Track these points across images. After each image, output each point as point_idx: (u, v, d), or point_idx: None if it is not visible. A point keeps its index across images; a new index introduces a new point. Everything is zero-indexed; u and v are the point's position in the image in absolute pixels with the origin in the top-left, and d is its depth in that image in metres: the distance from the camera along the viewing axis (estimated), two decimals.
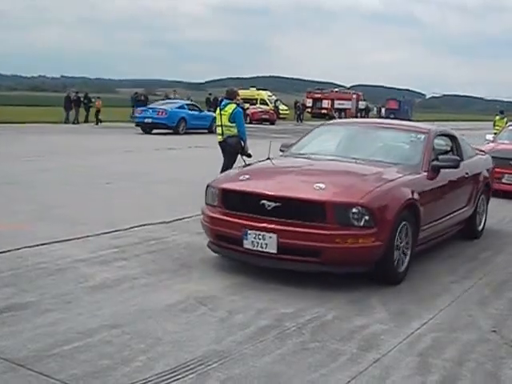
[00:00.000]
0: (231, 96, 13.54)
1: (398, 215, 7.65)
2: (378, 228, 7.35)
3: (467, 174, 10.22)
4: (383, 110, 75.89)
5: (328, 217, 7.30)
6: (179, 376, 4.95)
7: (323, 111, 71.58)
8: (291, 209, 7.48)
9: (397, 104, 74.91)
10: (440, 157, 9.27)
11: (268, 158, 9.50)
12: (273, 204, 7.52)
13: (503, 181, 16.07)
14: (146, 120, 35.17)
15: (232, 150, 13.12)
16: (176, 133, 34.76)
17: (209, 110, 41.54)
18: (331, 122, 12.50)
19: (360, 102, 73.98)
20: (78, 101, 42.81)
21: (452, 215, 9.69)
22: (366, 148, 9.61)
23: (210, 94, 54.56)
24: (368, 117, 68.99)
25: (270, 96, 66.45)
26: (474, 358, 5.69)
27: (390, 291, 7.57)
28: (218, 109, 13.46)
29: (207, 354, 5.40)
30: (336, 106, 72.83)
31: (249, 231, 7.54)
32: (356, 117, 66.87)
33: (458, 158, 9.65)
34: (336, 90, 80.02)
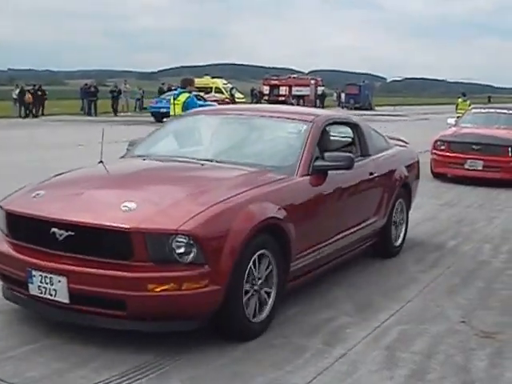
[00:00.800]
0: (184, 84, 13.54)
1: (245, 244, 5.51)
2: (212, 266, 5.28)
3: (372, 174, 8.20)
4: (343, 95, 76.14)
5: (136, 252, 5.22)
6: None
7: (281, 98, 71.36)
8: (86, 240, 5.45)
9: (357, 89, 74.96)
10: (326, 155, 7.09)
11: (100, 161, 7.28)
12: (64, 233, 5.46)
13: (466, 167, 16.03)
14: (161, 110, 36.76)
15: None
16: None
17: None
18: (195, 110, 9.72)
19: (319, 88, 74.01)
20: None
21: (351, 231, 7.68)
22: (228, 145, 7.61)
23: (163, 84, 54.28)
24: (323, 103, 68.99)
25: (225, 84, 66.14)
26: (444, 349, 5.74)
27: (356, 283, 7.60)
28: (172, 98, 13.46)
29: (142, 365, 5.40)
30: (294, 92, 72.72)
31: (33, 272, 5.52)
32: (315, 103, 66.85)
33: (351, 154, 7.46)
34: (294, 76, 79.89)
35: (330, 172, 7.06)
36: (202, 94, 45.08)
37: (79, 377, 4.94)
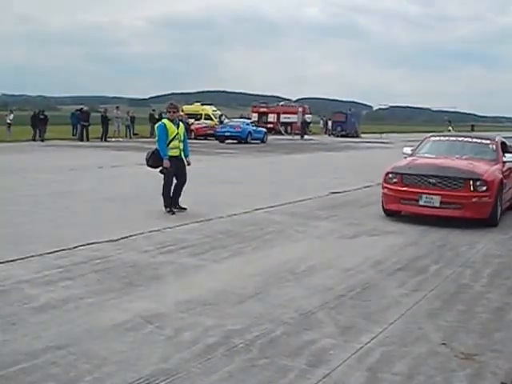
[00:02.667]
0: (166, 111, 14.00)
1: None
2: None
3: None
4: (330, 122, 76.55)
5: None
6: None
7: (269, 125, 71.67)
8: None
9: (344, 117, 75.34)
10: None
11: None
12: None
13: (421, 203, 13.72)
14: (225, 133, 50.05)
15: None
16: (246, 142, 48.62)
17: (152, 127, 42.42)
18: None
19: (307, 116, 74.27)
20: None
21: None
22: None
23: (154, 110, 54.57)
24: (305, 130, 68.69)
25: (214, 111, 66.31)
26: (425, 371, 5.78)
27: (339, 305, 7.63)
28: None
29: (154, 372, 5.43)
30: (282, 119, 73.07)
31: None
32: (301, 130, 66.81)
33: None
34: (282, 103, 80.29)
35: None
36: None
37: None
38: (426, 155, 15.53)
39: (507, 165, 15.12)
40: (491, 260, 10.57)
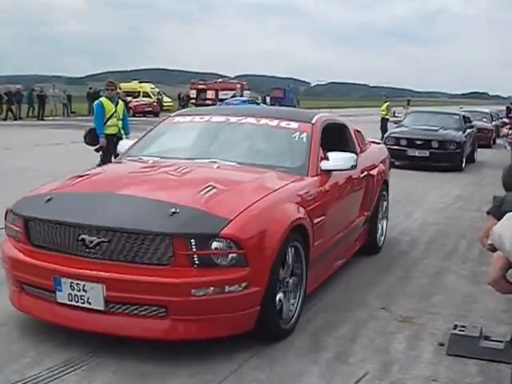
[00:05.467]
0: (104, 89, 13.90)
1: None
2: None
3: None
4: (268, 98, 76.67)
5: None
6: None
7: (207, 102, 71.57)
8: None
9: (282, 93, 75.40)
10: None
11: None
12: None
13: None
14: None
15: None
16: None
17: (90, 105, 42.03)
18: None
19: (245, 92, 74.24)
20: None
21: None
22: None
23: (90, 89, 53.95)
24: None
25: (152, 88, 65.96)
26: (365, 334, 5.95)
27: None
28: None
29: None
30: (220, 96, 72.92)
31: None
32: None
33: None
34: (220, 80, 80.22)
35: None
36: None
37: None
38: None
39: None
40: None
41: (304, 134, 7.23)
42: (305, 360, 5.33)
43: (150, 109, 54.47)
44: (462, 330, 5.65)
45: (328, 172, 6.98)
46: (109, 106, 13.51)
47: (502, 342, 5.54)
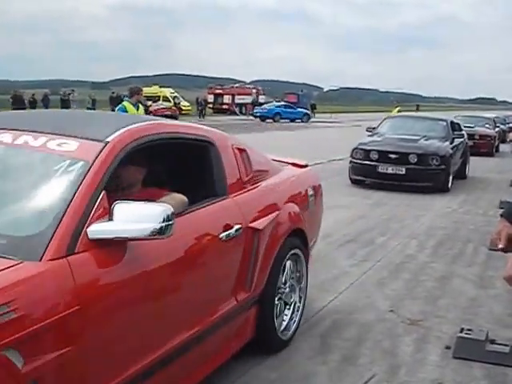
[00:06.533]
0: (131, 93, 13.74)
1: None
2: None
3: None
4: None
5: None
6: None
7: (224, 106, 71.74)
8: None
9: (295, 97, 75.35)
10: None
11: None
12: None
13: None
14: (257, 114, 60.81)
15: None
16: (275, 121, 57.43)
17: (112, 110, 41.93)
18: None
19: (260, 97, 74.33)
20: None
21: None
22: None
23: (113, 93, 54.05)
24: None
25: (172, 93, 66.15)
26: (373, 336, 5.84)
27: None
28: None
29: None
30: (237, 100, 73.04)
31: None
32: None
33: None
34: (236, 85, 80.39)
35: None
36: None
37: None
38: None
39: None
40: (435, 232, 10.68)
41: (79, 164, 3.57)
42: (313, 361, 5.23)
43: (169, 112, 54.49)
44: (469, 334, 5.58)
45: (108, 243, 3.32)
46: (132, 109, 13.53)
47: (507, 345, 5.46)
